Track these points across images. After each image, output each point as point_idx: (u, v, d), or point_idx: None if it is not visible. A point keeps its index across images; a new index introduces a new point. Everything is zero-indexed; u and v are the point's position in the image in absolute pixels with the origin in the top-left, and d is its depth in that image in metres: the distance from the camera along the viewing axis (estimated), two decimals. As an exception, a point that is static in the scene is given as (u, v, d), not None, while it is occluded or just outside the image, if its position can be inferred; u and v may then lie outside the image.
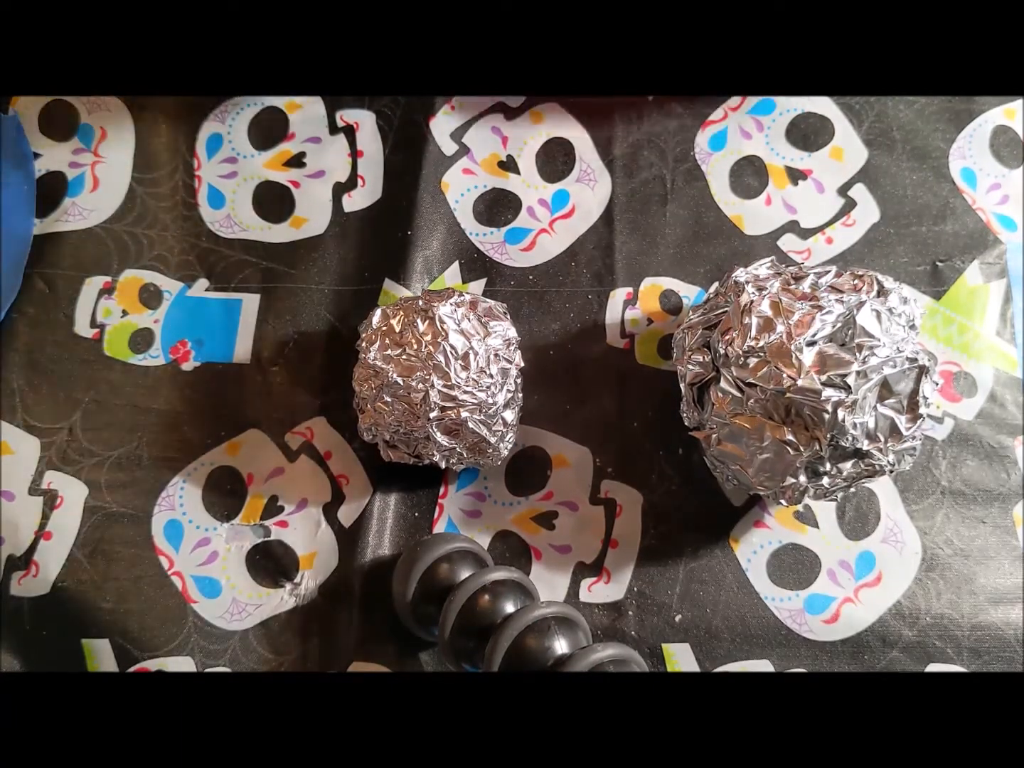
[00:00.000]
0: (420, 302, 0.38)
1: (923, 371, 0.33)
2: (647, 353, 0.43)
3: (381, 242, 0.45)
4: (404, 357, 0.36)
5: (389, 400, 0.36)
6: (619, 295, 0.44)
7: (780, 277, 0.35)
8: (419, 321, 0.37)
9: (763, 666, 0.39)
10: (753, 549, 0.40)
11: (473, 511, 0.41)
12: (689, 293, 0.44)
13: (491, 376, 0.37)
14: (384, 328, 0.37)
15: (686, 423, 0.37)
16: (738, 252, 0.44)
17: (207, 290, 0.44)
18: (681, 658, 0.39)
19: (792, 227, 0.45)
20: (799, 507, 0.41)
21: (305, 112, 0.47)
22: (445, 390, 0.36)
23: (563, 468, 0.42)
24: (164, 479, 0.42)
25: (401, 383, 0.36)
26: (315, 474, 0.42)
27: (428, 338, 0.36)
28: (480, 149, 0.46)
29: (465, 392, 0.36)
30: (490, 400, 0.37)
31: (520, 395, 0.39)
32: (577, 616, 0.36)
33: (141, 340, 0.44)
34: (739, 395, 0.34)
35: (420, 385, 0.36)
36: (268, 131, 0.47)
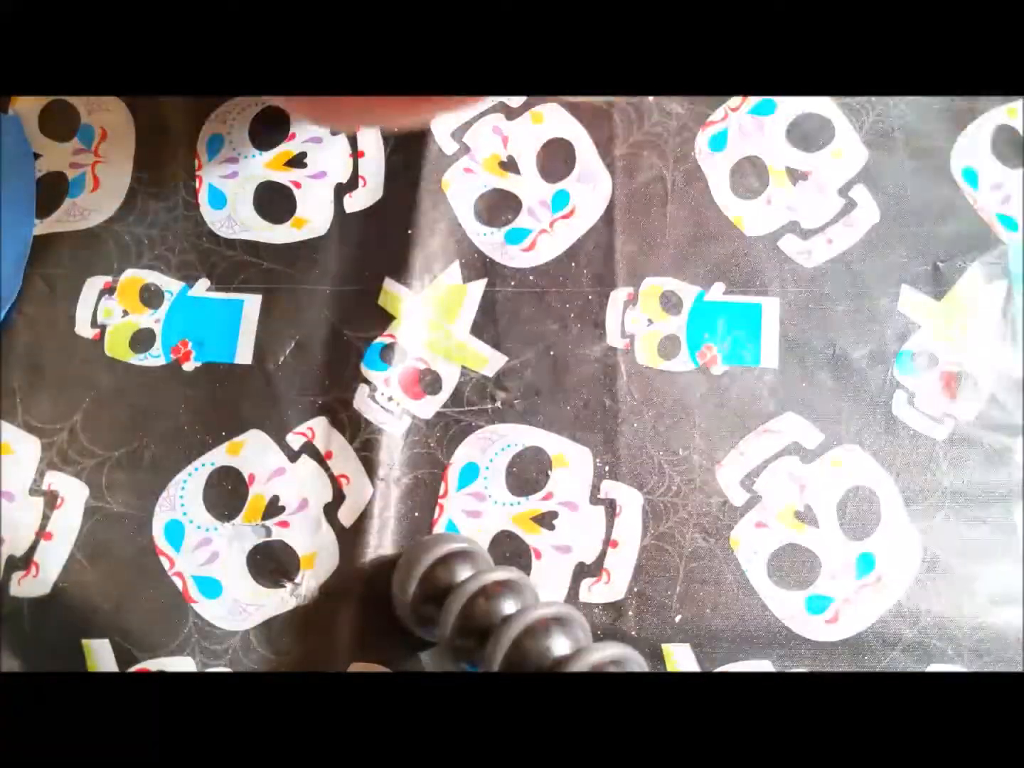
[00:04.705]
0: None
1: None
2: (647, 353, 0.43)
3: (381, 242, 0.45)
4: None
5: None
6: (619, 295, 0.44)
7: None
8: None
9: (763, 666, 0.39)
10: (753, 549, 0.40)
11: (473, 511, 0.41)
12: (689, 293, 0.44)
13: None
14: None
15: None
16: (739, 253, 0.44)
17: (208, 290, 0.44)
18: (681, 658, 0.39)
19: (793, 227, 0.45)
20: (799, 507, 0.41)
21: (305, 112, 0.47)
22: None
23: (563, 468, 0.42)
24: (165, 479, 0.42)
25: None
26: (316, 474, 0.42)
27: None
28: (480, 149, 0.46)
29: None
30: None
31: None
32: (577, 616, 0.36)
33: (142, 340, 0.44)
34: None
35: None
36: (269, 131, 0.47)
